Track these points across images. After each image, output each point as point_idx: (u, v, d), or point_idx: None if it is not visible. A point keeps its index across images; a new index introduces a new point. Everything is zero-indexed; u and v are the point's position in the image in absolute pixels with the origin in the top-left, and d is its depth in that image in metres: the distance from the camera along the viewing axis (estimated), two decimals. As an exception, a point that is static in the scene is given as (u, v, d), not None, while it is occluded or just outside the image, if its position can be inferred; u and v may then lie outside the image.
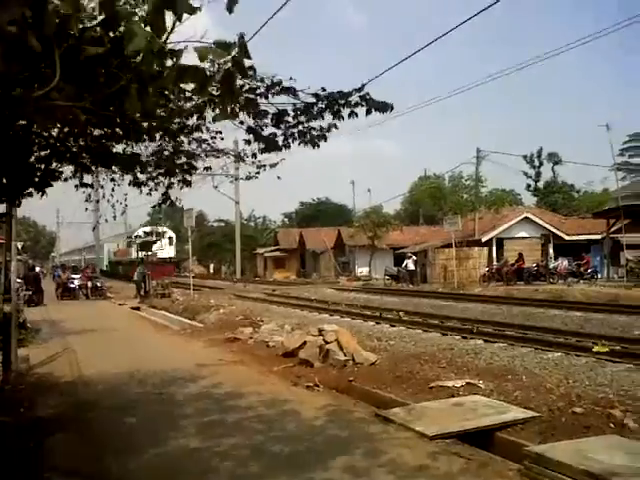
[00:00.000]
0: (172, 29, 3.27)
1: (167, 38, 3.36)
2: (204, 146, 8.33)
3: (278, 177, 9.25)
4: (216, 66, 4.22)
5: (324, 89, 6.19)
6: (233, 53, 3.53)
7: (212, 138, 8.16)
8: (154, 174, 8.83)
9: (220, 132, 8.08)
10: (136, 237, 54.57)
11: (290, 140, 6.72)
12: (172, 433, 7.25)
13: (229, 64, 3.73)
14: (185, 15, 3.10)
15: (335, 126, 6.51)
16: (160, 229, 57.67)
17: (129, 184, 9.28)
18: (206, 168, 8.99)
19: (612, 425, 6.89)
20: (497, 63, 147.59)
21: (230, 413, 8.08)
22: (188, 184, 8.89)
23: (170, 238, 61.74)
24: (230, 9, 3.25)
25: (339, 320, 18.20)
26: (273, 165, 8.70)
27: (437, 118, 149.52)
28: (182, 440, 6.99)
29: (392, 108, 6.12)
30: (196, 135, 7.81)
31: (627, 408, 7.41)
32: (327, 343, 11.54)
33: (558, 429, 6.95)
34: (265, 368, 11.18)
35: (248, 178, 9.16)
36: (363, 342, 12.71)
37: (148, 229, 59.34)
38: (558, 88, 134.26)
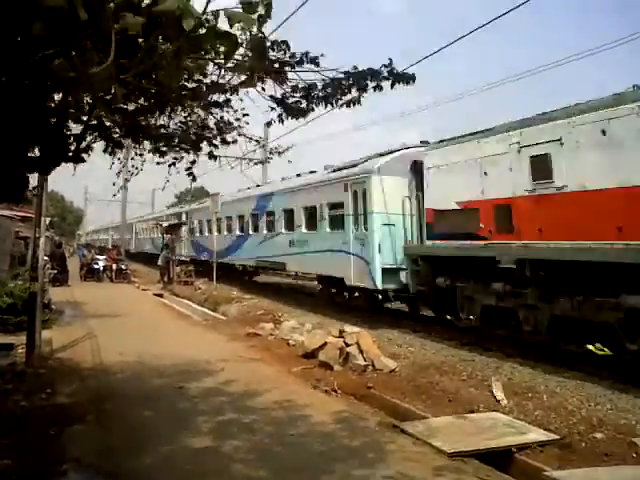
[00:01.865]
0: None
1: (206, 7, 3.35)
2: (230, 123, 8.45)
3: (289, 161, 9.66)
4: (247, 33, 4.26)
5: (356, 67, 6.24)
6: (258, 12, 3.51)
7: (237, 120, 8.27)
8: (178, 148, 8.93)
9: (247, 114, 8.21)
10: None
11: (313, 104, 6.76)
12: (187, 431, 7.30)
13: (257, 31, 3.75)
14: None
15: (359, 101, 6.57)
16: None
17: (149, 151, 9.37)
18: (233, 142, 9.05)
19: (634, 455, 6.77)
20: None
21: (246, 413, 8.10)
22: (214, 158, 8.98)
23: None
24: None
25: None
26: (281, 152, 8.95)
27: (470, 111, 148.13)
28: (196, 439, 7.05)
29: (414, 79, 6.24)
30: (222, 113, 7.93)
31: (650, 438, 7.28)
32: (347, 346, 11.51)
33: (578, 454, 6.87)
34: (285, 368, 11.18)
35: (261, 163, 9.33)
36: (384, 347, 12.65)
37: None
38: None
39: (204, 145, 8.66)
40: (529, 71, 75.11)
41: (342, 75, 6.23)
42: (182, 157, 9.18)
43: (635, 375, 9.72)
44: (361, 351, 11.30)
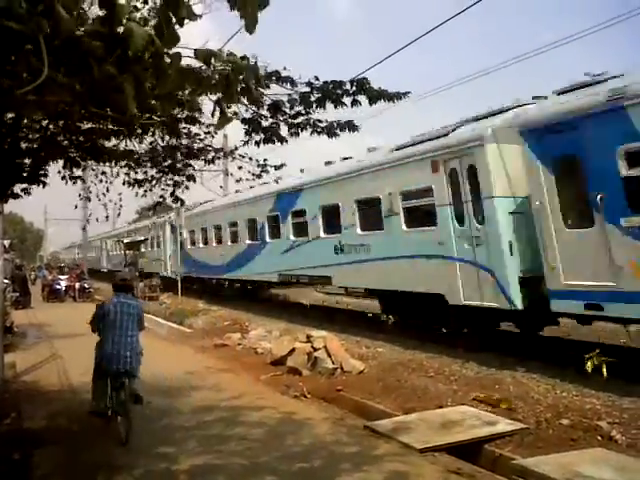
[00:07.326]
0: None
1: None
2: (198, 143, 8.37)
3: (276, 181, 9.44)
4: (212, 67, 4.24)
5: (317, 78, 6.06)
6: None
7: (206, 133, 8.19)
8: (152, 172, 8.83)
9: (209, 133, 8.12)
10: None
11: (298, 129, 6.66)
12: (163, 447, 7.23)
13: (228, 67, 3.73)
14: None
15: (354, 125, 6.53)
16: None
17: (123, 183, 9.27)
18: (207, 161, 8.93)
19: (599, 437, 6.93)
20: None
21: (217, 425, 8.08)
22: (192, 179, 8.86)
23: None
24: (250, 31, 3.17)
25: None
26: (278, 167, 8.71)
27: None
28: (174, 455, 6.97)
29: (403, 95, 6.09)
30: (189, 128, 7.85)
31: (614, 420, 7.45)
32: (315, 350, 11.53)
33: (545, 441, 6.98)
34: (253, 377, 11.15)
35: (258, 176, 9.07)
36: (351, 349, 12.70)
37: None
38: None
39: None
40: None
41: (306, 88, 6.04)
42: (158, 180, 9.05)
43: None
44: (329, 355, 11.33)
